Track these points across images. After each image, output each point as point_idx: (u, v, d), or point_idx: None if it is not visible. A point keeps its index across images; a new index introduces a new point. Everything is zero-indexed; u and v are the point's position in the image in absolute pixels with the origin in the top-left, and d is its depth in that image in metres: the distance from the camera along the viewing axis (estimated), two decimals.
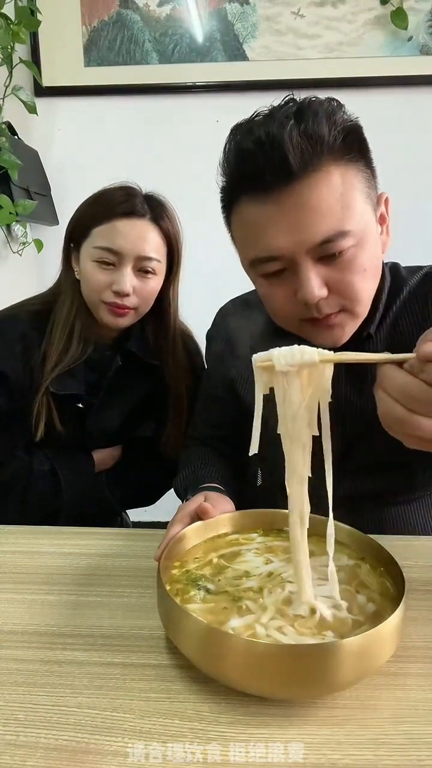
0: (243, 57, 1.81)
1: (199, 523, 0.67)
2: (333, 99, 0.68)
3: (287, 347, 0.53)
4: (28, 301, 1.09)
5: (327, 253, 0.66)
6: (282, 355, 0.53)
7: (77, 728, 0.48)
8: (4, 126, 1.59)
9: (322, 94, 0.68)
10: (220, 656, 0.48)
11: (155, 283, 1.02)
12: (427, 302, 0.79)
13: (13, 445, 1.05)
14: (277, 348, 0.53)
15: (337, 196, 0.64)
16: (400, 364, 0.49)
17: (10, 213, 1.52)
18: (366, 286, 0.70)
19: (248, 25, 1.79)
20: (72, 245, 1.04)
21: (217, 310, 1.02)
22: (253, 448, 0.56)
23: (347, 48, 1.78)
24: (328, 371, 0.53)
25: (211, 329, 1.01)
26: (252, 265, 0.71)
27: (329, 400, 0.54)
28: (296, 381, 0.53)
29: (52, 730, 0.48)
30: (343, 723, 0.48)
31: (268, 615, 0.54)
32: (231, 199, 0.71)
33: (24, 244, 1.72)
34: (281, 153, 0.62)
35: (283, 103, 0.67)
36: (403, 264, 0.86)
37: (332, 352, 0.53)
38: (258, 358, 0.55)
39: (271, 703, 0.50)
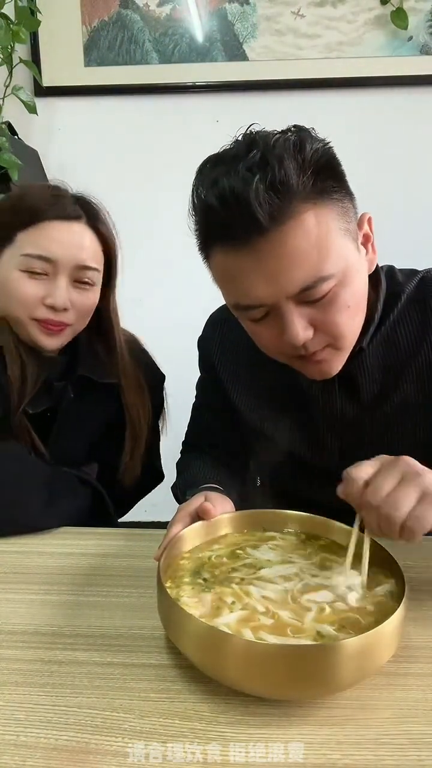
0: (243, 57, 1.81)
1: (199, 523, 0.67)
2: (299, 129, 0.64)
3: None
4: None
5: (308, 299, 0.65)
6: None
7: (77, 728, 0.48)
8: (4, 126, 1.59)
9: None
10: (220, 656, 0.48)
11: (93, 295, 0.91)
12: (425, 309, 0.78)
13: None
14: None
15: (312, 241, 0.62)
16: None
17: None
18: (350, 322, 0.69)
19: (248, 25, 1.79)
20: None
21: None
22: None
23: (347, 48, 1.77)
24: None
25: (202, 335, 0.99)
26: (235, 308, 0.71)
27: None
28: None
29: (52, 730, 0.48)
30: (343, 723, 0.48)
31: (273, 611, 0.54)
32: (205, 245, 0.70)
33: None
34: (248, 211, 0.59)
35: (245, 147, 0.62)
36: (399, 265, 0.86)
37: None
38: None
39: (271, 703, 0.50)
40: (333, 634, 0.51)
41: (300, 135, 0.62)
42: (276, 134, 0.63)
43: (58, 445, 0.95)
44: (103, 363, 0.97)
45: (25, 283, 0.85)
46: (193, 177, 0.66)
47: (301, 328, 0.65)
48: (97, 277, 0.91)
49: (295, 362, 0.72)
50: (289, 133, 0.63)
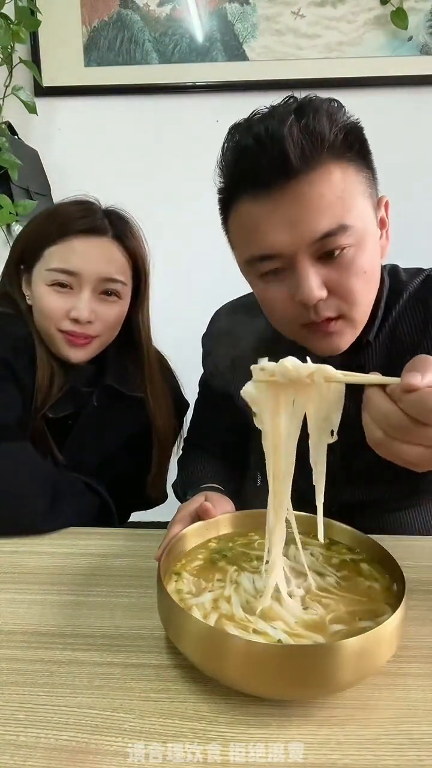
0: (243, 57, 1.81)
1: (199, 523, 0.67)
2: (333, 99, 0.67)
3: (288, 361, 0.52)
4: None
5: (326, 249, 0.64)
6: (284, 369, 0.52)
7: (77, 728, 0.48)
8: (4, 126, 1.59)
9: (322, 94, 0.68)
10: (220, 656, 0.48)
11: (119, 308, 0.91)
12: (428, 306, 0.78)
13: None
14: (280, 362, 0.53)
15: (337, 193, 0.64)
16: (384, 387, 0.49)
17: (10, 213, 1.52)
18: (365, 290, 0.69)
19: (248, 25, 1.79)
20: (22, 267, 0.92)
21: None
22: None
23: (347, 48, 1.77)
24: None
25: (207, 332, 0.98)
26: (249, 264, 0.70)
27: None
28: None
29: (52, 730, 0.48)
30: (343, 723, 0.48)
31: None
32: (229, 200, 0.70)
33: None
34: (281, 148, 0.61)
35: (283, 101, 0.67)
36: (402, 266, 0.86)
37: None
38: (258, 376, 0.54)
39: (271, 703, 0.50)
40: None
41: (333, 102, 0.67)
42: (313, 96, 0.67)
43: (73, 452, 0.95)
44: (131, 375, 0.98)
45: (50, 297, 0.87)
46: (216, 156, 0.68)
47: (315, 285, 0.65)
48: (124, 290, 0.92)
49: (303, 334, 0.71)
50: (326, 100, 0.67)
